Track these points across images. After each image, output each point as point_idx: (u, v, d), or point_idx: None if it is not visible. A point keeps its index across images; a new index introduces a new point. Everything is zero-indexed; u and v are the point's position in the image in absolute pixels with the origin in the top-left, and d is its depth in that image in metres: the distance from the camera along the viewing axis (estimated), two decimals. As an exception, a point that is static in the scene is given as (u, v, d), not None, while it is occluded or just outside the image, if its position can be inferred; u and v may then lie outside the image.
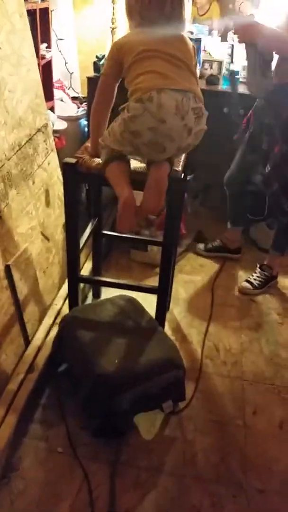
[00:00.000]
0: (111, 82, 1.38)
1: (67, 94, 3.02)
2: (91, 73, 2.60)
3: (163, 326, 1.74)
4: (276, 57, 1.81)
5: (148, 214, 1.36)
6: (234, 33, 1.81)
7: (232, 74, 2.34)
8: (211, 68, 2.56)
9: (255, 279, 2.27)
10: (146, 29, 1.30)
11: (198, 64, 2.49)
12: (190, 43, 1.36)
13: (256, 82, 1.83)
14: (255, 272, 2.30)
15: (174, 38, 1.32)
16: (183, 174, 1.57)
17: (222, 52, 2.59)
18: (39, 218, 1.79)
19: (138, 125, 1.23)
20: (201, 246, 2.54)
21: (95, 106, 1.44)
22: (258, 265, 2.32)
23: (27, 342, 1.67)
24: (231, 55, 2.36)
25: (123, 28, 3.01)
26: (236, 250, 2.50)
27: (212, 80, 2.48)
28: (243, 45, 1.79)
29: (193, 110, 1.24)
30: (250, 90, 1.95)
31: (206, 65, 2.60)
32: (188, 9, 1.38)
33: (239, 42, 1.78)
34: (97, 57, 2.54)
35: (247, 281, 2.28)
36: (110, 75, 1.37)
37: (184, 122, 1.22)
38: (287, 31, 1.78)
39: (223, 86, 2.49)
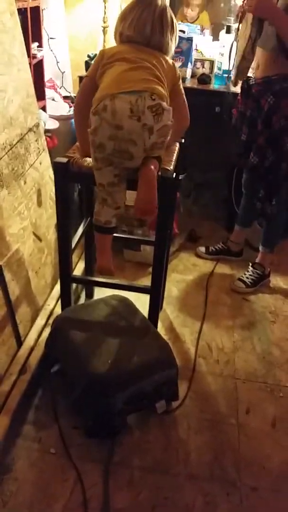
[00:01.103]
0: (91, 84, 1.38)
1: (59, 94, 3.01)
2: (82, 72, 2.60)
3: (156, 325, 1.74)
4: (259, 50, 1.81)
5: (143, 215, 1.36)
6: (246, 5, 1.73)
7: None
8: (203, 67, 2.57)
9: (247, 278, 2.28)
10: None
11: (190, 63, 2.50)
12: (169, 61, 1.37)
13: (248, 65, 1.82)
14: (248, 271, 2.31)
15: (153, 52, 1.34)
16: (175, 174, 1.57)
17: (213, 51, 2.60)
18: (31, 218, 1.78)
19: (99, 137, 1.25)
20: (202, 249, 2.54)
21: (75, 106, 1.48)
22: (250, 264, 2.33)
23: (20, 343, 1.66)
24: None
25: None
26: (238, 252, 2.51)
27: (203, 79, 2.49)
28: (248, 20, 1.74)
29: (150, 108, 1.20)
30: (238, 77, 1.89)
31: (198, 64, 2.60)
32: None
33: (251, 12, 1.71)
34: (88, 56, 2.54)
35: (240, 279, 2.29)
36: (91, 78, 1.38)
37: (142, 123, 1.21)
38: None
39: (215, 85, 2.50)
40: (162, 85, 1.29)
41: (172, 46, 1.41)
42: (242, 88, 1.98)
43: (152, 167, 1.30)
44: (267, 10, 1.70)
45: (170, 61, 1.38)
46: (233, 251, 2.49)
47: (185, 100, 1.47)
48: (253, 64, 1.88)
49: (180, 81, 1.42)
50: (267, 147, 1.90)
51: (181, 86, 1.44)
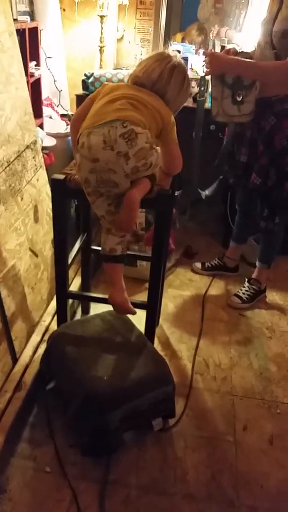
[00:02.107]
0: (89, 105, 1.42)
1: (56, 112, 3.05)
2: (79, 91, 2.64)
3: (152, 341, 1.73)
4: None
5: (120, 231, 1.41)
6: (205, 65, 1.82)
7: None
8: (198, 86, 2.61)
9: (243, 293, 2.29)
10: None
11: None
12: (167, 108, 1.41)
13: (222, 111, 1.87)
14: (244, 286, 2.32)
15: (153, 93, 1.39)
16: (171, 190, 1.58)
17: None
18: (27, 234, 1.79)
19: (82, 173, 1.31)
20: (198, 265, 2.54)
21: (71, 122, 1.51)
22: (246, 279, 2.34)
23: (15, 359, 1.65)
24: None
25: (111, 47, 3.07)
26: (234, 268, 2.51)
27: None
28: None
29: (121, 136, 1.24)
30: (217, 118, 1.93)
31: (193, 83, 2.64)
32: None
33: (207, 74, 1.84)
34: (85, 75, 2.58)
35: (236, 295, 2.30)
36: (92, 100, 1.43)
37: (116, 151, 1.24)
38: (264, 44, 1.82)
39: (209, 104, 2.53)
40: (139, 112, 1.31)
41: (178, 99, 1.45)
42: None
43: (135, 190, 1.32)
44: (225, 65, 1.78)
45: (168, 109, 1.41)
46: (229, 267, 2.50)
47: (177, 149, 1.49)
48: None
49: (174, 128, 1.44)
50: (270, 167, 1.93)
51: (175, 135, 1.46)
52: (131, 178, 1.30)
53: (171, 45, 3.01)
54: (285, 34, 1.69)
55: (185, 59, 2.52)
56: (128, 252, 2.19)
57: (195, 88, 2.62)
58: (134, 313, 1.52)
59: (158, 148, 1.36)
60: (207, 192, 2.23)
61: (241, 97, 1.81)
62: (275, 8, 1.74)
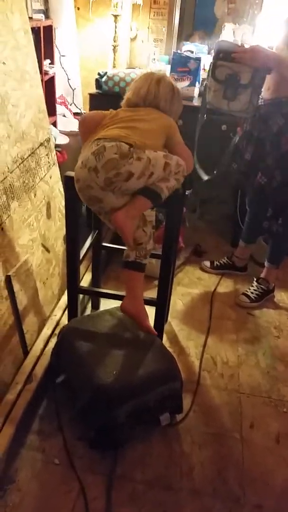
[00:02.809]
0: (99, 119, 1.49)
1: (69, 110, 3.08)
2: (93, 89, 2.66)
3: (161, 338, 1.75)
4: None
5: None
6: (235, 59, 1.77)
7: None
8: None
9: (252, 292, 2.29)
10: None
11: (198, 82, 2.55)
12: (166, 116, 1.51)
13: (211, 101, 1.89)
14: (252, 285, 2.32)
15: (147, 108, 1.51)
16: (181, 189, 1.60)
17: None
18: (40, 230, 1.81)
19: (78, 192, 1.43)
20: (207, 263, 2.56)
21: (80, 124, 1.58)
22: (255, 279, 2.34)
23: (26, 352, 1.68)
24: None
25: (125, 46, 3.08)
26: (243, 267, 2.52)
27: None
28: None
29: (92, 153, 1.32)
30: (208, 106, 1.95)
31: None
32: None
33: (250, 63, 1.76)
34: (99, 74, 2.60)
35: (245, 294, 2.30)
36: (102, 117, 1.50)
37: (87, 167, 1.33)
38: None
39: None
40: (134, 130, 1.38)
41: (172, 108, 1.54)
42: None
43: (121, 211, 1.37)
44: (267, 59, 1.75)
45: (165, 115, 1.51)
46: (238, 266, 2.51)
47: (185, 149, 1.55)
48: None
49: (177, 131, 1.53)
50: (276, 168, 1.93)
51: (179, 136, 1.53)
52: (106, 191, 1.34)
53: (183, 45, 3.03)
54: None
55: (198, 59, 2.52)
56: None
57: (207, 88, 2.63)
58: (149, 329, 1.55)
59: (148, 156, 1.34)
60: (206, 177, 2.22)
61: (232, 94, 1.81)
62: None
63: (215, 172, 2.18)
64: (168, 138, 1.49)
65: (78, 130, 1.78)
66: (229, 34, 2.78)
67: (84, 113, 3.07)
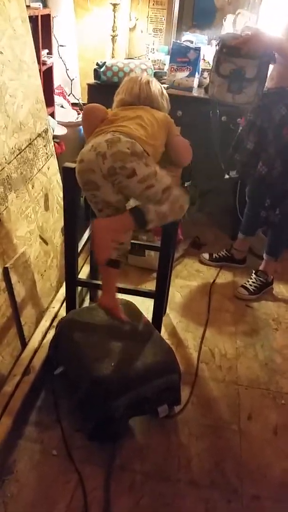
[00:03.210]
0: (102, 115, 1.52)
1: (68, 100, 3.05)
2: (91, 79, 2.63)
3: (159, 330, 1.75)
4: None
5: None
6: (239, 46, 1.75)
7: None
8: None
9: (250, 285, 2.29)
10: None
11: (197, 73, 2.53)
12: (160, 113, 1.55)
13: (215, 95, 1.88)
14: (251, 278, 2.32)
15: (143, 106, 1.54)
16: (180, 181, 1.59)
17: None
18: (38, 222, 1.80)
19: (77, 178, 1.40)
20: (206, 255, 2.55)
21: (84, 113, 1.58)
22: (253, 271, 2.34)
23: (24, 344, 1.67)
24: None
25: (124, 36, 3.05)
26: (242, 260, 2.52)
27: (210, 88, 2.51)
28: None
29: (106, 140, 1.33)
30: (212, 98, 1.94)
31: (205, 74, 2.63)
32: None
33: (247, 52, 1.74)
34: (97, 64, 2.57)
35: (243, 286, 2.30)
36: (104, 113, 1.53)
37: (97, 151, 1.32)
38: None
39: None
40: (145, 130, 1.42)
41: (164, 104, 1.60)
42: None
43: (104, 220, 1.38)
44: (270, 43, 1.74)
45: (161, 112, 1.55)
46: (237, 259, 2.50)
47: (182, 140, 1.59)
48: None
49: (174, 126, 1.57)
50: (276, 158, 1.92)
51: (175, 129, 1.58)
52: (108, 181, 1.33)
53: (183, 35, 2.99)
54: None
55: (198, 49, 2.50)
56: (136, 242, 2.22)
57: (207, 79, 2.60)
58: (123, 320, 1.56)
59: (156, 169, 1.36)
60: (231, 174, 2.21)
61: (238, 88, 1.80)
62: None
63: (234, 172, 2.18)
64: (168, 133, 1.54)
65: (81, 121, 1.78)
66: (230, 25, 2.74)
67: (83, 104, 3.04)
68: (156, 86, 1.58)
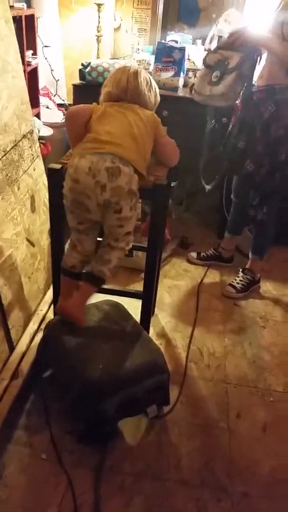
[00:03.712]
0: (87, 115, 1.49)
1: (53, 101, 3.03)
2: (76, 80, 2.62)
3: (148, 330, 1.75)
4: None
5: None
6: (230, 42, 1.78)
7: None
8: (195, 76, 2.60)
9: (238, 283, 2.31)
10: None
11: (183, 73, 2.54)
12: (148, 112, 1.52)
13: (197, 89, 1.89)
14: (238, 276, 2.34)
15: (131, 107, 1.50)
16: (167, 181, 1.59)
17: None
18: (24, 224, 1.79)
19: (65, 189, 1.43)
20: (193, 254, 2.56)
21: (67, 118, 1.59)
22: (240, 270, 2.36)
23: (12, 347, 1.66)
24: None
25: (108, 36, 3.04)
26: (229, 259, 2.53)
27: (195, 88, 2.51)
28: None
29: (106, 169, 1.34)
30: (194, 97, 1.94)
31: (190, 74, 2.64)
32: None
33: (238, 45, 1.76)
34: (82, 64, 2.56)
35: (231, 285, 2.32)
36: (90, 113, 1.49)
37: (96, 179, 1.34)
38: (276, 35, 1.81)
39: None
40: (135, 141, 1.42)
41: (152, 98, 1.56)
42: (242, 95, 1.95)
43: (65, 305, 1.52)
44: (257, 38, 1.75)
45: (149, 112, 1.53)
46: (224, 258, 2.52)
47: (169, 140, 1.58)
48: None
49: (161, 126, 1.55)
50: (265, 155, 1.93)
51: (163, 131, 1.56)
52: (101, 210, 1.39)
53: (168, 34, 3.00)
54: None
55: (182, 49, 2.50)
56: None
57: (192, 79, 2.61)
58: (82, 323, 1.56)
59: (132, 215, 1.44)
60: (209, 186, 2.24)
61: (216, 78, 1.82)
62: None
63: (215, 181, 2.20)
64: (155, 133, 1.54)
65: (65, 125, 1.77)
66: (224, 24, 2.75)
67: (69, 105, 3.03)
68: (144, 78, 1.54)
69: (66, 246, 1.61)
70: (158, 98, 1.62)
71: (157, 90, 1.60)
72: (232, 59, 1.79)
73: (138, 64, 2.70)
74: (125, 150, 1.39)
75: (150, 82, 1.57)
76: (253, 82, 1.93)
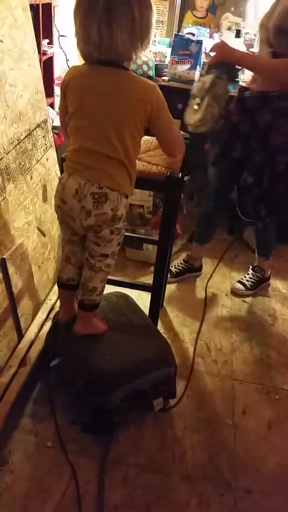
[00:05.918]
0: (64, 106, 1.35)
1: (67, 91, 3.02)
2: (91, 70, 2.60)
3: (156, 323, 1.75)
4: None
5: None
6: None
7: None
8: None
9: (247, 280, 2.29)
10: (86, 67, 1.27)
11: (199, 66, 2.52)
12: (137, 93, 1.21)
13: (212, 115, 1.70)
14: (248, 274, 2.32)
15: (115, 88, 1.21)
16: (180, 175, 1.58)
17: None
18: (35, 213, 1.79)
19: (55, 202, 1.40)
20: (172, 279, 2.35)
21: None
22: (250, 267, 2.34)
23: (20, 336, 1.67)
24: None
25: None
26: (200, 267, 2.41)
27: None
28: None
29: (92, 194, 1.28)
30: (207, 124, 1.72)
31: (207, 68, 2.61)
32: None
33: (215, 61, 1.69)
34: (98, 55, 2.54)
35: (240, 282, 2.30)
36: (64, 104, 1.35)
37: (81, 204, 1.30)
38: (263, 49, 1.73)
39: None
40: (121, 163, 1.28)
41: (137, 46, 1.16)
42: (237, 98, 1.84)
43: (78, 328, 1.54)
44: (231, 54, 1.67)
45: (145, 86, 1.21)
46: (196, 267, 2.39)
47: (171, 131, 1.35)
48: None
49: (164, 111, 1.26)
50: (265, 167, 1.82)
51: (167, 120, 1.29)
52: (85, 232, 1.38)
53: (185, 27, 2.97)
54: (281, 31, 1.58)
55: (200, 42, 2.47)
56: (134, 235, 2.22)
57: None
58: (104, 331, 1.57)
59: (111, 238, 1.38)
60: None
61: (197, 105, 1.69)
62: (274, 2, 1.67)
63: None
64: (150, 119, 1.24)
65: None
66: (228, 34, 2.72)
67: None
68: (120, 10, 1.09)
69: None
70: (150, 37, 1.18)
71: (149, 22, 1.16)
72: (207, 82, 1.67)
73: (154, 56, 2.67)
74: (108, 176, 1.27)
75: (132, 13, 1.11)
76: (245, 85, 1.88)
